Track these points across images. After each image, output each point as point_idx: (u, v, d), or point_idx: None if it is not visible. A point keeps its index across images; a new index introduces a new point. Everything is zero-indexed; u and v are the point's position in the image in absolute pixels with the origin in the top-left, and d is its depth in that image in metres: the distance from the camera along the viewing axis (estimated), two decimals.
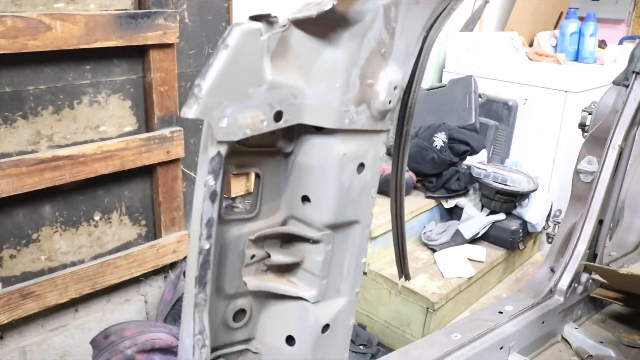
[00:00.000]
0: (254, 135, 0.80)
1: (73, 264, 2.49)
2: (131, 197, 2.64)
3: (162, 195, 2.66)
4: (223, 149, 0.76)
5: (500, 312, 1.74)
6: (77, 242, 2.49)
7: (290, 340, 0.99)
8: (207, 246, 0.79)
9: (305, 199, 0.93)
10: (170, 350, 2.41)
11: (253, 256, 0.93)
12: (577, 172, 2.21)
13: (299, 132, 0.91)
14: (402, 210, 1.19)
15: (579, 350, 1.97)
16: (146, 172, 2.63)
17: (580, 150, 2.22)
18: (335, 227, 0.94)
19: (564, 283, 2.00)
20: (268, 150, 0.91)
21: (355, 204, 0.95)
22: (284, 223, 0.96)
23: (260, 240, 0.93)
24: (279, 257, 0.94)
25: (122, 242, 2.64)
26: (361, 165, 0.94)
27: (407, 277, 1.25)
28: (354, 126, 0.90)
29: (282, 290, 0.96)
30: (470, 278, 2.91)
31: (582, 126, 2.26)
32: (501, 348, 1.61)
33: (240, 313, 0.97)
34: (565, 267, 2.01)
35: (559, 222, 2.36)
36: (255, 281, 0.94)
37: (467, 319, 1.72)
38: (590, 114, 2.25)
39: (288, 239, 0.96)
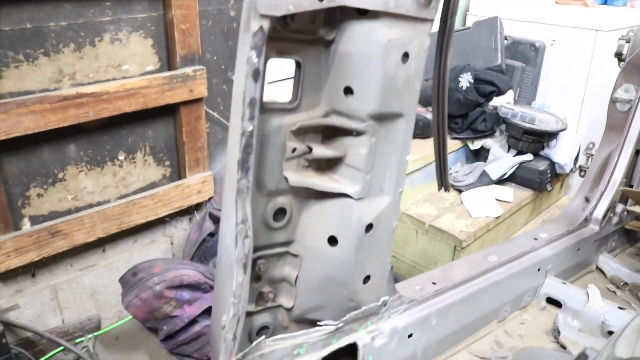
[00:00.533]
0: (296, 17, 0.76)
1: (99, 203, 2.49)
2: (155, 137, 2.61)
3: (185, 135, 2.63)
4: (266, 24, 0.72)
5: (535, 239, 1.70)
6: (102, 182, 2.48)
7: (332, 241, 0.96)
8: (250, 128, 0.75)
9: (347, 90, 0.89)
10: (199, 286, 2.42)
11: (294, 149, 0.90)
12: (613, 101, 2.13)
13: (341, 18, 0.86)
14: (444, 119, 1.15)
15: (614, 278, 1.94)
16: (169, 111, 2.60)
17: (617, 79, 2.14)
18: (379, 118, 0.90)
19: (599, 212, 1.95)
20: (309, 37, 0.87)
21: (400, 95, 0.91)
22: (325, 117, 0.92)
23: (302, 133, 0.90)
24: (321, 150, 0.91)
25: (147, 183, 2.63)
26: (405, 55, 0.89)
27: (447, 189, 1.21)
28: (398, 10, 0.85)
29: (325, 187, 0.93)
30: (497, 218, 2.87)
31: (619, 55, 2.18)
32: (538, 270, 1.58)
33: (280, 213, 0.94)
34: (601, 195, 1.96)
35: (592, 154, 2.30)
36: (297, 177, 0.91)
37: (502, 243, 1.68)
38: (627, 41, 2.16)
39: (330, 134, 0.93)
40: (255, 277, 0.91)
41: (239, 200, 0.80)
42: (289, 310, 0.98)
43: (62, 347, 2.55)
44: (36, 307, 2.45)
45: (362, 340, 1.02)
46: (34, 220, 2.32)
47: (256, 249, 0.93)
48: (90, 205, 2.47)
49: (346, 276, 0.98)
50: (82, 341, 2.61)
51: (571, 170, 3.44)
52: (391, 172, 0.96)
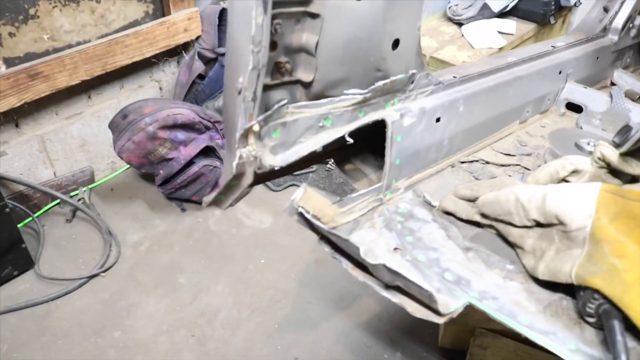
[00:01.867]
0: None
1: (79, 44, 2.31)
2: None
3: None
4: None
5: (553, 46, 1.59)
6: (80, 20, 2.28)
7: None
8: None
9: None
10: (193, 126, 2.32)
11: None
12: None
13: None
14: None
15: (630, 93, 1.85)
16: None
17: None
18: None
19: (618, 22, 1.82)
20: None
21: None
22: None
23: None
24: None
25: (129, 21, 2.43)
26: None
27: None
28: None
29: None
30: (500, 49, 2.74)
31: None
32: (559, 73, 1.49)
33: None
34: (622, 4, 1.82)
35: None
36: None
37: (519, 49, 1.57)
38: None
39: None
40: (271, 44, 0.79)
41: None
42: (307, 86, 0.87)
43: (57, 200, 2.50)
44: (25, 159, 2.35)
45: (391, 117, 0.92)
46: (9, 62, 2.14)
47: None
48: (70, 46, 2.29)
49: (374, 38, 0.87)
50: (77, 194, 2.55)
51: (574, 4, 3.26)
52: None
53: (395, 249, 0.90)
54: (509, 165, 1.21)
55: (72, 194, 2.55)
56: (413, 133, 0.99)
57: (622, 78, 1.92)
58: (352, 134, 0.90)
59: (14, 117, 2.27)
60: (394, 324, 1.96)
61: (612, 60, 1.85)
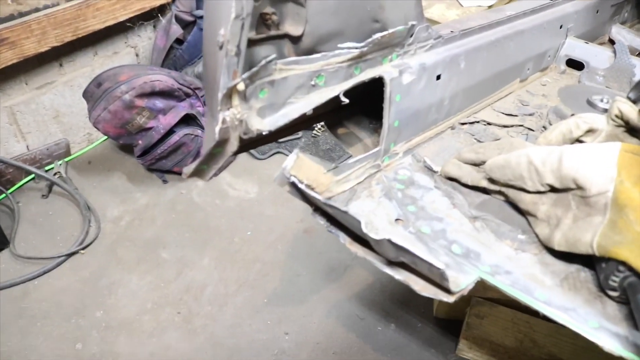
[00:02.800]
0: None
1: (46, 7, 2.16)
2: None
3: None
4: None
5: None
6: None
7: None
8: None
9: None
10: (172, 94, 2.20)
11: None
12: None
13: None
14: None
15: (629, 49, 1.78)
16: None
17: None
18: None
19: None
20: None
21: None
22: None
23: None
24: None
25: None
26: None
27: None
28: None
29: None
30: (490, 7, 2.63)
31: None
32: (560, 27, 1.40)
33: None
34: None
35: None
36: None
37: (515, 2, 1.47)
38: None
39: None
40: None
41: None
42: (296, 41, 0.77)
43: (32, 175, 2.38)
44: None
45: (390, 74, 0.83)
46: None
47: None
48: (37, 10, 2.14)
49: None
50: (52, 168, 2.44)
51: None
52: None
53: (397, 219, 0.82)
54: (511, 126, 1.12)
55: (47, 168, 2.43)
56: (413, 92, 0.90)
57: (621, 34, 1.83)
58: (346, 94, 0.81)
59: None
60: (387, 294, 1.90)
61: (610, 15, 1.76)
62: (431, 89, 0.95)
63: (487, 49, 1.08)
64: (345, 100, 0.79)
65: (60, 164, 2.45)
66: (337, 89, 0.79)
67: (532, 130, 1.12)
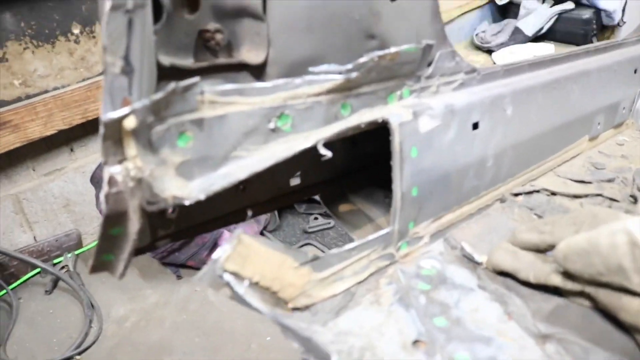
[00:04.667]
0: None
1: (55, 89, 2.03)
2: None
3: None
4: None
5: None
6: (56, 63, 2.01)
7: None
8: None
9: None
10: None
11: None
12: None
13: None
14: None
15: None
16: None
17: None
18: None
19: None
20: None
21: None
22: None
23: None
24: None
25: None
26: None
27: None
28: None
29: None
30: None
31: None
32: (635, 72, 1.10)
33: None
34: None
35: None
36: None
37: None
38: None
39: None
40: None
41: None
42: (258, 73, 0.52)
43: (38, 269, 2.17)
44: None
45: (398, 116, 0.55)
46: None
47: None
48: (45, 92, 2.01)
49: None
50: (60, 261, 2.23)
51: (618, 23, 2.89)
52: None
53: (416, 341, 0.51)
54: (585, 195, 0.81)
55: (55, 260, 2.23)
56: (437, 145, 0.61)
57: None
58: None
59: None
60: None
61: None
62: (466, 142, 0.66)
63: (543, 91, 0.80)
64: (327, 154, 0.51)
65: (69, 257, 2.24)
66: (312, 136, 0.51)
67: (616, 201, 0.80)
